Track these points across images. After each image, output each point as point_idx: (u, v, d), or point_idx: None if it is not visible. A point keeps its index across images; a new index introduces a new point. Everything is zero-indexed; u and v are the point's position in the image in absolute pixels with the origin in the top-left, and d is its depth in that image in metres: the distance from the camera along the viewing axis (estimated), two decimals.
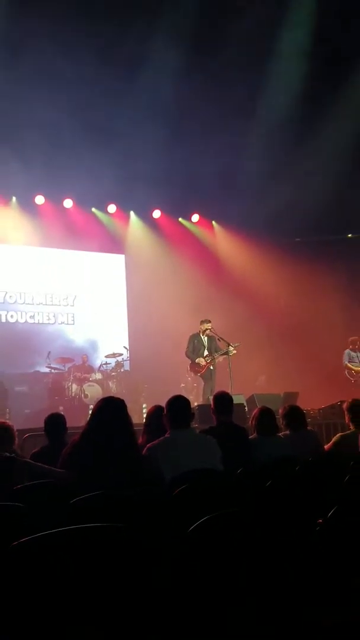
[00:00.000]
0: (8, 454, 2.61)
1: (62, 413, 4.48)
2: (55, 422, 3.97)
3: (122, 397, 3.09)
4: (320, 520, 1.87)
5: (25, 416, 8.93)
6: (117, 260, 12.02)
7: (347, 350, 9.70)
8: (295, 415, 4.36)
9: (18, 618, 1.40)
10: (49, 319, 11.04)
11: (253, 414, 4.22)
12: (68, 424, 4.08)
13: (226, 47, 8.90)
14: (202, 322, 8.57)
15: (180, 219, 12.22)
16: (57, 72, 8.27)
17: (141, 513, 2.15)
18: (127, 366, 10.66)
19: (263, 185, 10.26)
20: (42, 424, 4.03)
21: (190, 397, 8.11)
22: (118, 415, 2.88)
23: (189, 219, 12.26)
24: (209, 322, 8.54)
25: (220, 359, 8.41)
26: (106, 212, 11.55)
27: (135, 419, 3.24)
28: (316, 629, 1.46)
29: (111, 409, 2.90)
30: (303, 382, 8.92)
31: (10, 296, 10.75)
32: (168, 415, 3.24)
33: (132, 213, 11.84)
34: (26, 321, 10.79)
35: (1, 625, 1.39)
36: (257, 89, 9.63)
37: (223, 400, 4.16)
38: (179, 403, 3.27)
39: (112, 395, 4.53)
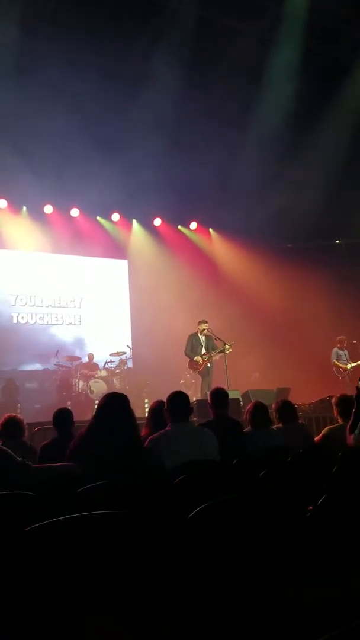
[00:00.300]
0: (24, 459, 2.61)
1: (69, 408, 4.49)
2: (63, 417, 3.97)
3: (125, 393, 3.09)
4: (311, 507, 1.88)
5: (35, 411, 8.93)
6: (120, 265, 12.01)
7: (335, 349, 9.71)
8: (287, 409, 4.35)
9: (29, 599, 1.40)
10: (57, 320, 11.04)
11: (247, 408, 4.21)
12: (75, 418, 4.09)
13: (222, 64, 8.93)
14: (200, 322, 8.58)
15: (179, 227, 12.22)
16: (65, 89, 8.28)
17: (143, 501, 2.15)
18: (130, 364, 10.66)
19: (257, 194, 10.27)
20: (51, 418, 4.03)
21: (189, 393, 8.12)
22: (122, 409, 2.88)
23: (187, 226, 12.25)
24: (206, 322, 8.55)
25: (217, 357, 8.40)
26: (110, 220, 11.56)
27: (137, 413, 3.24)
28: (301, 607, 1.47)
29: (115, 404, 2.90)
30: (294, 379, 8.92)
31: (21, 299, 10.75)
32: (168, 409, 3.24)
33: (134, 221, 11.84)
34: (36, 322, 10.79)
35: (13, 607, 1.39)
36: (251, 103, 9.64)
37: (219, 395, 4.16)
38: (178, 398, 3.27)
39: (116, 391, 4.55)
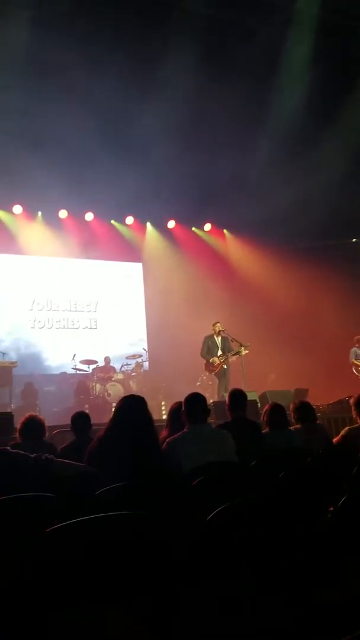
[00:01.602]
0: (48, 454, 2.61)
1: (87, 411, 4.51)
2: (81, 420, 3.99)
3: (142, 395, 3.10)
4: (331, 508, 1.87)
5: (54, 414, 8.99)
6: (135, 268, 12.07)
7: (354, 348, 9.62)
8: (305, 410, 4.32)
9: (51, 597, 1.42)
10: (73, 324, 11.13)
11: (264, 409, 4.19)
12: (93, 421, 4.11)
13: (236, 64, 8.90)
14: (214, 324, 8.60)
15: (193, 228, 12.25)
16: (80, 94, 8.33)
17: (162, 503, 2.16)
18: (146, 366, 10.69)
19: (271, 194, 10.22)
20: (69, 421, 4.06)
21: (206, 395, 8.06)
22: (139, 411, 2.89)
23: (201, 228, 12.27)
24: (218, 322, 8.56)
25: (234, 358, 8.38)
26: (124, 223, 11.63)
27: (154, 416, 3.24)
28: (323, 607, 1.46)
29: (133, 406, 2.91)
30: (312, 379, 8.85)
31: (38, 304, 10.87)
32: (185, 411, 3.23)
33: (148, 224, 11.90)
34: (53, 326, 10.89)
35: (35, 604, 1.41)
36: (265, 102, 9.60)
37: (237, 397, 4.15)
38: (195, 400, 3.27)
39: (133, 393, 4.56)
